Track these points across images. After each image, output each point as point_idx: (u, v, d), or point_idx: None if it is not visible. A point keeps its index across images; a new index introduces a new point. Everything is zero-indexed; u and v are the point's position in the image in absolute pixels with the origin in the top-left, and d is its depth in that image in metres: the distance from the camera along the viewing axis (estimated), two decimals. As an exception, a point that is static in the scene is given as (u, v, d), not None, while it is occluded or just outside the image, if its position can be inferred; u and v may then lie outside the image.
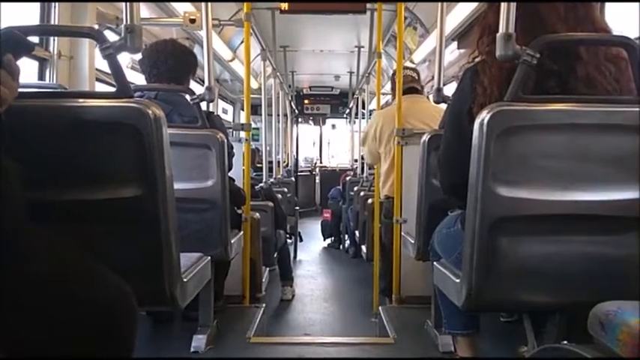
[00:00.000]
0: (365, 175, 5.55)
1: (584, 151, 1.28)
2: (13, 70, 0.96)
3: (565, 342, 1.21)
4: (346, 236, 6.27)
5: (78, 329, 0.96)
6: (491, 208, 1.27)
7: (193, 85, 2.41)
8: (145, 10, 3.26)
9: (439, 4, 2.34)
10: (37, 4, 2.37)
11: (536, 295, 1.36)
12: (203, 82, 2.26)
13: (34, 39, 1.66)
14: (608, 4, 1.95)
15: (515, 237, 1.30)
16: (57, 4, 2.38)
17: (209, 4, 2.30)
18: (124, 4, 1.30)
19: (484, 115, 1.24)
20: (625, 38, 1.30)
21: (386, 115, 3.15)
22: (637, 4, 1.75)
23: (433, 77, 2.82)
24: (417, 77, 3.29)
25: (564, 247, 1.32)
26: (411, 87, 3.22)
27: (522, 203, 1.27)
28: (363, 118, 6.77)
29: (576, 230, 1.31)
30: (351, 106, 8.00)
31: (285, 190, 5.35)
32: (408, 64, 4.74)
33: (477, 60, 1.49)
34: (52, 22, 2.37)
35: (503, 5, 1.27)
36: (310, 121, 10.62)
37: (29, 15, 2.37)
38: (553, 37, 1.31)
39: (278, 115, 6.27)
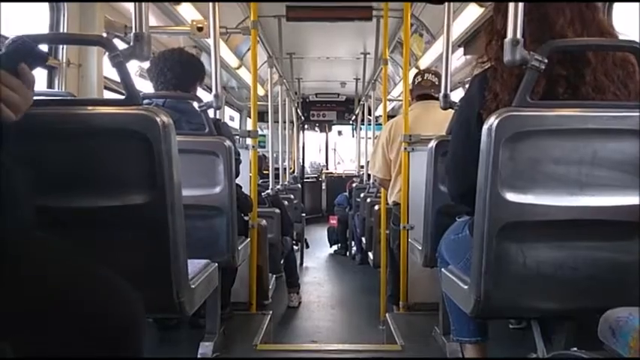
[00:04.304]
0: (371, 181, 5.54)
1: (593, 156, 1.27)
2: (29, 79, 0.97)
3: (575, 349, 1.20)
4: (353, 243, 6.26)
5: (86, 335, 0.96)
6: (499, 214, 1.26)
7: (201, 93, 2.42)
8: (152, 19, 3.29)
9: (445, 10, 2.34)
10: (47, 13, 2.40)
11: (546, 301, 1.35)
12: (210, 89, 2.27)
13: (44, 47, 1.67)
14: (615, 4, 1.95)
15: (523, 243, 1.30)
16: (65, 12, 2.41)
17: (217, 11, 2.31)
18: (132, 12, 1.31)
19: (492, 121, 1.24)
20: (633, 42, 1.30)
21: (398, 121, 3.10)
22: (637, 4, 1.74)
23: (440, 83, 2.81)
24: (437, 82, 3.10)
25: (574, 252, 1.31)
26: (426, 93, 3.10)
27: (531, 209, 1.26)
28: (369, 125, 6.77)
29: (586, 236, 1.30)
30: (357, 112, 8.02)
31: (292, 196, 5.35)
32: (414, 69, 4.73)
33: (485, 66, 1.49)
34: (61, 31, 2.39)
35: (511, 10, 1.27)
36: (316, 128, 10.64)
37: (38, 22, 2.40)
38: (561, 43, 1.31)
39: (284, 122, 6.28)
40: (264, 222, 3.05)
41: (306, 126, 9.99)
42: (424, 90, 3.11)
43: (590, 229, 1.30)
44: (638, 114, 1.25)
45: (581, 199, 1.27)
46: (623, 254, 1.30)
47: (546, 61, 1.24)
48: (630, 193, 1.27)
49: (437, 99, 2.94)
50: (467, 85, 1.61)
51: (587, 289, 1.32)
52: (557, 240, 1.30)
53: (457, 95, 3.05)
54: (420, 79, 3.16)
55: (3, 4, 1.50)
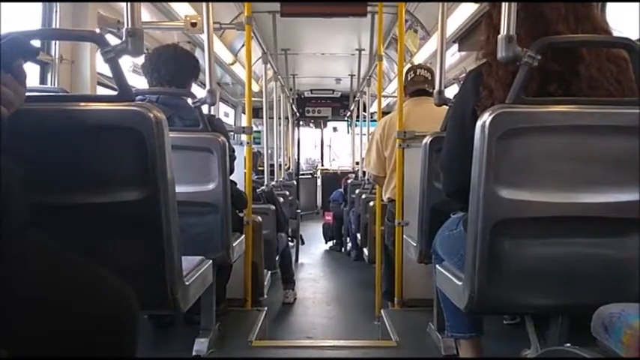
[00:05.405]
0: (366, 177, 5.55)
1: (587, 152, 1.27)
2: (21, 75, 0.96)
3: (568, 344, 1.21)
4: (348, 239, 6.27)
5: (79, 333, 0.96)
6: (493, 210, 1.26)
7: (195, 89, 2.41)
8: (146, 14, 3.27)
9: (440, 6, 2.34)
10: (39, 9, 2.38)
11: (539, 297, 1.36)
12: (204, 85, 2.26)
13: (36, 43, 1.67)
14: (609, 4, 1.95)
15: (517, 239, 1.30)
16: (58, 8, 2.39)
17: (210, 7, 2.30)
18: (125, 8, 1.30)
19: (486, 117, 1.24)
20: (626, 39, 1.30)
21: (392, 117, 3.10)
22: (637, 4, 1.75)
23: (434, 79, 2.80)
24: (430, 77, 3.08)
25: (567, 249, 1.32)
26: (421, 89, 3.08)
27: (524, 205, 1.26)
28: (364, 121, 6.78)
29: (579, 232, 1.31)
30: (352, 108, 8.02)
31: (287, 193, 5.35)
32: (409, 65, 4.74)
33: (480, 62, 1.49)
34: (54, 26, 2.38)
35: (504, 7, 1.27)
36: (311, 124, 10.63)
37: (31, 18, 2.38)
38: (554, 39, 1.31)
39: (279, 118, 6.27)
40: (259, 218, 3.05)
41: (301, 122, 9.98)
42: (417, 86, 3.10)
43: (583, 225, 1.30)
44: (631, 111, 1.26)
45: (575, 196, 1.27)
46: (616, 250, 1.31)
47: (539, 57, 1.24)
48: (623, 190, 1.27)
49: (430, 94, 2.97)
50: (461, 82, 1.61)
51: (581, 285, 1.33)
52: (551, 236, 1.31)
53: (451, 91, 3.05)
54: (412, 75, 3.14)
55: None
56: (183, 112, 2.17)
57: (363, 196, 4.72)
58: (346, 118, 9.53)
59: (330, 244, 6.88)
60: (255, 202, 3.23)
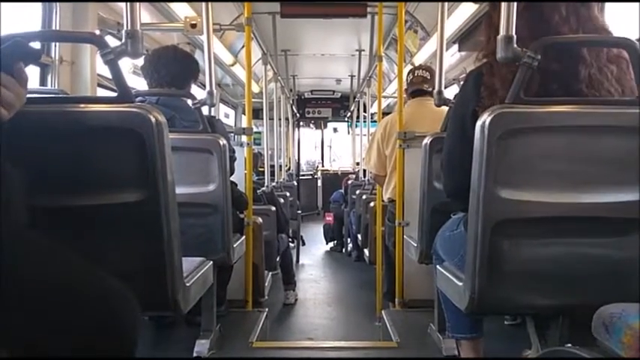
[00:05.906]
0: (367, 178, 5.55)
1: (587, 153, 1.27)
2: (22, 77, 0.97)
3: (569, 345, 1.20)
4: (349, 239, 6.27)
5: (79, 334, 0.96)
6: (493, 211, 1.26)
7: (195, 90, 2.41)
8: (146, 16, 3.27)
9: (439, 6, 2.34)
10: (39, 11, 2.38)
11: (540, 297, 1.36)
12: (204, 86, 2.26)
13: (36, 44, 1.67)
14: (607, 4, 1.95)
15: (518, 239, 1.30)
16: (58, 10, 2.39)
17: (210, 8, 2.31)
18: (124, 10, 1.31)
19: (485, 117, 1.24)
20: (626, 39, 1.30)
21: (393, 117, 3.10)
22: (637, 4, 1.75)
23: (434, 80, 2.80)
24: (429, 77, 3.08)
25: (567, 249, 1.32)
26: (420, 89, 3.09)
27: (525, 206, 1.26)
28: (364, 122, 6.78)
29: (579, 232, 1.30)
30: (352, 109, 8.02)
31: (287, 194, 5.35)
32: (409, 66, 4.74)
33: (480, 63, 1.49)
34: (54, 28, 2.38)
35: (504, 7, 1.27)
36: (312, 125, 10.64)
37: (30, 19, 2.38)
38: (553, 39, 1.31)
39: (279, 119, 6.28)
40: (259, 219, 3.05)
41: (301, 123, 9.99)
42: (416, 86, 3.11)
43: (584, 225, 1.30)
44: (631, 111, 1.25)
45: (575, 196, 1.27)
46: (616, 250, 1.31)
47: (539, 57, 1.24)
48: (623, 190, 1.27)
49: (430, 93, 2.97)
50: (462, 82, 1.61)
51: (582, 285, 1.32)
52: (551, 237, 1.30)
53: (451, 92, 3.05)
54: (411, 77, 3.16)
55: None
56: (183, 114, 2.17)
57: (364, 197, 4.72)
58: (346, 119, 9.53)
59: (331, 244, 6.87)
60: (255, 203, 3.23)
